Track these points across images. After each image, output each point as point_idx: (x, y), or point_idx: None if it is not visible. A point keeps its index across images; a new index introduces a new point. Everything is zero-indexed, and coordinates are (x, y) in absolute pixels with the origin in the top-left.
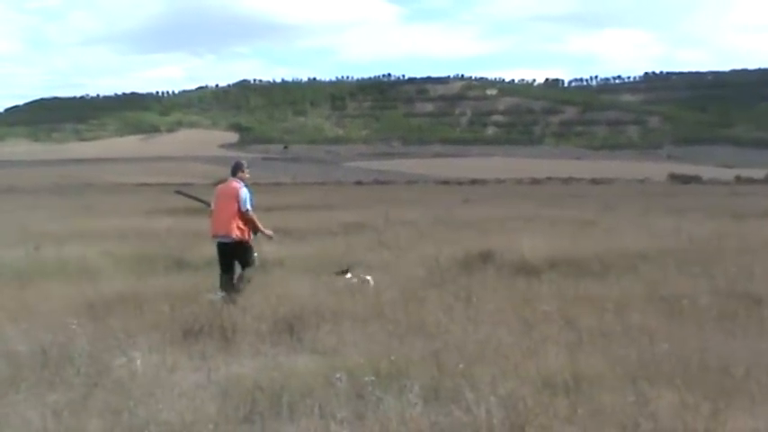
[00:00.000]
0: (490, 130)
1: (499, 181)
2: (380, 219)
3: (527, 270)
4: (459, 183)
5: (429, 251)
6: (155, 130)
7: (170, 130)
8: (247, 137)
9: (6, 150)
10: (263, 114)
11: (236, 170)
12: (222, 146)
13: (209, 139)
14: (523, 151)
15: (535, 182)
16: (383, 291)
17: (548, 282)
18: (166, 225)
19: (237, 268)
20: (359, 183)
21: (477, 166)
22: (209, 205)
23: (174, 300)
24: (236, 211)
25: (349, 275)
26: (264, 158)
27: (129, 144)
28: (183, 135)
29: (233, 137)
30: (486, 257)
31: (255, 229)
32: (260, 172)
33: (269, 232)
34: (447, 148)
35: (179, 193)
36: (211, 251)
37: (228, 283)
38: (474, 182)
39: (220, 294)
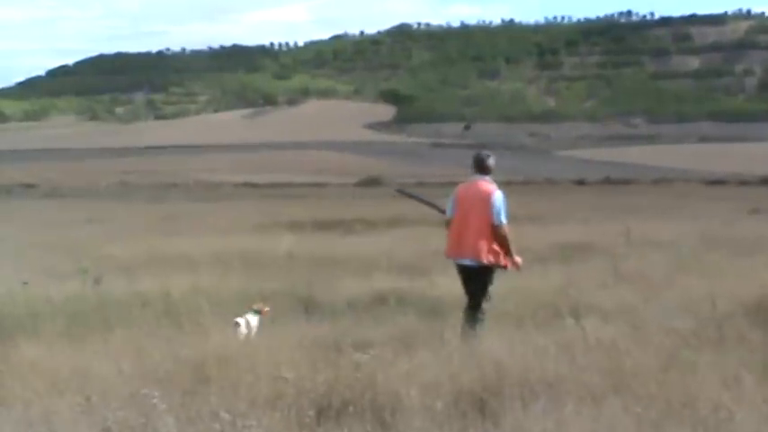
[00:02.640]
0: None
1: None
2: (617, 238)
3: None
4: (742, 182)
5: (697, 289)
6: (268, 101)
7: (291, 101)
8: (408, 111)
9: (50, 133)
10: (433, 77)
11: (489, 167)
12: (370, 126)
13: (351, 116)
14: None
15: None
16: (626, 350)
17: None
18: (287, 247)
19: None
20: (581, 182)
21: (762, 155)
22: (442, 212)
23: (301, 361)
24: (488, 225)
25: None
26: (434, 145)
27: (230, 123)
28: (310, 109)
29: (386, 112)
30: None
31: (507, 252)
32: (427, 165)
33: (518, 259)
34: (721, 128)
35: (401, 192)
36: (357, 288)
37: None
38: (765, 181)
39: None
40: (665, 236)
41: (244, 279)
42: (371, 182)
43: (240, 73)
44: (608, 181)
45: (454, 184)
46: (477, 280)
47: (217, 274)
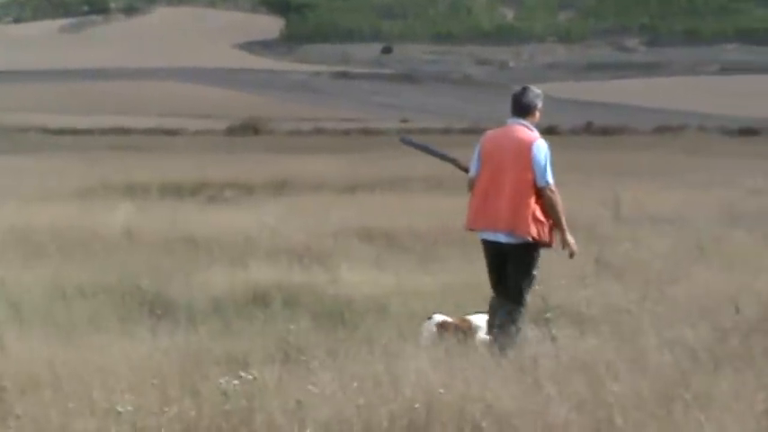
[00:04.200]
0: None
1: None
2: (601, 211)
3: None
4: None
5: (715, 286)
6: (95, 8)
7: (129, 9)
8: (301, 26)
9: None
10: None
11: (528, 106)
12: (246, 46)
13: (218, 31)
14: None
15: None
16: (613, 372)
17: None
18: (124, 221)
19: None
20: (551, 130)
21: None
22: (464, 169)
23: (144, 387)
24: (528, 186)
25: (437, 318)
26: (339, 75)
27: (38, 40)
28: (158, 21)
29: (270, 26)
30: None
31: (556, 223)
32: (328, 104)
33: (571, 239)
34: (752, 53)
35: (407, 142)
36: (227, 282)
37: (504, 313)
38: None
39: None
40: (669, 209)
41: (59, 268)
42: (248, 128)
43: None
44: (589, 129)
45: (366, 131)
46: (516, 263)
47: (17, 263)
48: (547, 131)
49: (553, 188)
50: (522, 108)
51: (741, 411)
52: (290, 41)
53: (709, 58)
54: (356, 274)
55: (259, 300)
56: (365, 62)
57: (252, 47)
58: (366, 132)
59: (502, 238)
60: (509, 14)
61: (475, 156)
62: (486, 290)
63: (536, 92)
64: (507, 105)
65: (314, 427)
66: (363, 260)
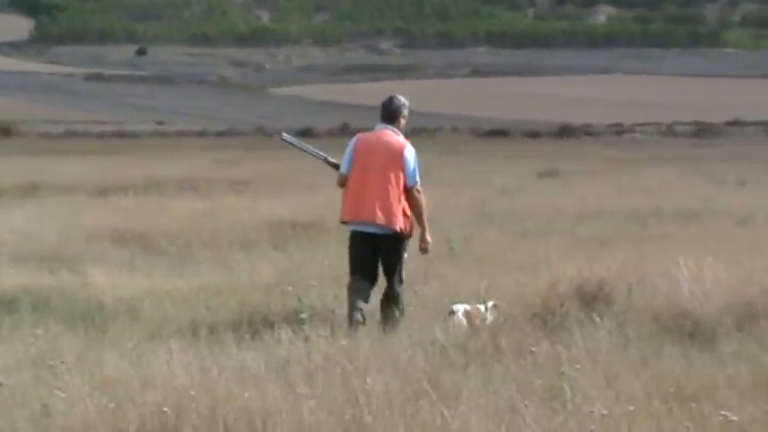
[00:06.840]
0: (602, 14)
1: (615, 129)
2: None
3: (685, 326)
4: (531, 134)
5: (465, 284)
6: None
7: None
8: (52, 27)
9: None
10: None
11: (393, 113)
12: None
13: None
14: (679, 61)
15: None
16: (363, 370)
17: (731, 355)
18: None
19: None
20: (307, 132)
21: (556, 96)
22: (335, 166)
23: None
24: (398, 186)
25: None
26: (91, 77)
27: None
28: None
29: (19, 26)
30: (591, 298)
31: (419, 220)
32: (81, 106)
33: (430, 238)
34: (501, 56)
35: (287, 140)
36: None
37: (366, 295)
38: (562, 133)
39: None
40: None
41: None
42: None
43: None
44: (345, 131)
45: (122, 134)
46: (388, 252)
47: None
48: (304, 133)
49: (420, 189)
50: (389, 114)
51: (488, 406)
52: (40, 43)
53: (460, 60)
54: (108, 277)
55: (6, 305)
56: (119, 64)
57: (1, 48)
58: (120, 135)
59: (375, 229)
60: (264, 17)
61: (347, 155)
62: (242, 294)
63: (401, 101)
64: (262, 107)
65: (60, 430)
66: (116, 263)
